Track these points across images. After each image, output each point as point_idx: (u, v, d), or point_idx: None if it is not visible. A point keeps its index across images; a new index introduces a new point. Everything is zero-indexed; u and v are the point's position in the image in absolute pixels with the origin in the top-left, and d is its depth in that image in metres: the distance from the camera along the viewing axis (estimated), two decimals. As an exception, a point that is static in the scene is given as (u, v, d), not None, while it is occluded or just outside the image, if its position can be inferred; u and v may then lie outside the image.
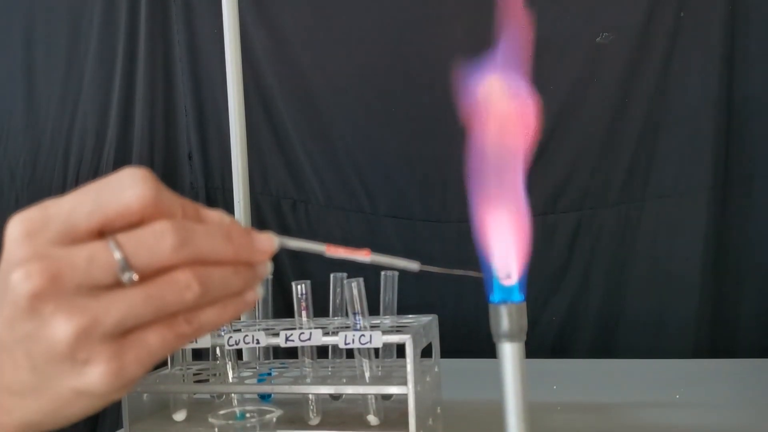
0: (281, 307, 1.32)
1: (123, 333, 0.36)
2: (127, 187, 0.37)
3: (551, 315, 1.59)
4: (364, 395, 0.90)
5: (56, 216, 0.36)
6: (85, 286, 0.35)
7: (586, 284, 1.58)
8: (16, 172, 1.89)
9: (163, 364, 0.97)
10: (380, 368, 0.91)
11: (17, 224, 0.36)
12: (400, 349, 0.86)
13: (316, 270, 1.43)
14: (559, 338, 1.59)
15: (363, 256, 0.43)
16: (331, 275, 0.95)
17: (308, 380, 0.91)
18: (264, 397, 0.98)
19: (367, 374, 0.89)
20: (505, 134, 0.45)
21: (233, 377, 0.97)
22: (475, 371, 1.03)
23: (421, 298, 1.52)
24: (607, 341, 1.57)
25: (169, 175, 1.79)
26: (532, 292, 1.54)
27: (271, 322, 0.98)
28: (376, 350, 0.90)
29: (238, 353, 1.03)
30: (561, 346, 1.59)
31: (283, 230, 1.72)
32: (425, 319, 0.95)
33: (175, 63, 1.79)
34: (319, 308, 0.94)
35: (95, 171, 1.82)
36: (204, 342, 0.92)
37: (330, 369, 0.95)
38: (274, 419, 0.74)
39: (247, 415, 0.75)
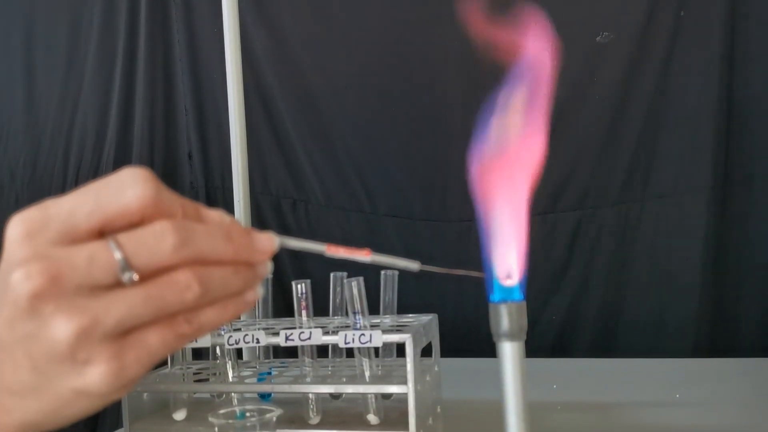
0: (281, 306, 1.32)
1: (123, 333, 0.36)
2: (128, 187, 0.37)
3: (551, 314, 1.59)
4: (364, 394, 0.90)
5: (56, 216, 0.36)
6: (86, 286, 0.35)
7: (586, 284, 1.58)
8: (16, 172, 1.89)
9: (163, 363, 0.97)
10: (380, 367, 0.91)
11: (17, 224, 0.36)
12: (400, 349, 0.86)
13: (316, 269, 1.43)
14: (559, 338, 1.59)
15: (363, 256, 0.43)
16: (331, 275, 0.95)
17: (308, 379, 0.91)
18: (264, 397, 0.98)
19: (367, 373, 0.89)
20: (513, 134, 0.45)
21: (233, 376, 0.97)
22: (475, 371, 1.03)
23: (421, 297, 1.52)
24: (607, 341, 1.57)
25: (169, 174, 1.79)
26: (532, 292, 1.54)
27: (271, 322, 0.98)
28: (376, 349, 0.90)
29: (238, 352, 1.03)
30: (561, 346, 1.59)
31: (283, 230, 1.72)
32: (425, 318, 0.95)
33: (175, 63, 1.79)
34: (319, 308, 0.94)
35: (95, 171, 1.82)
36: (204, 341, 0.92)
37: (330, 368, 0.95)
38: (274, 418, 0.74)
39: (247, 414, 0.75)
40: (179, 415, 0.96)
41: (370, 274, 0.84)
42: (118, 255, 0.36)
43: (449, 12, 1.62)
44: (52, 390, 0.37)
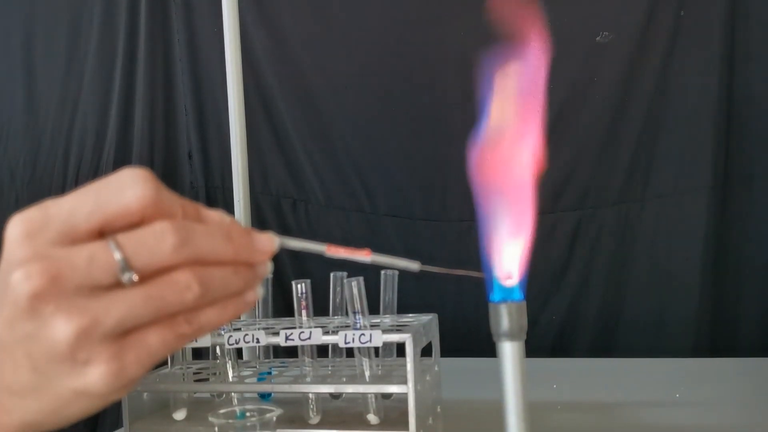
0: (281, 306, 1.32)
1: (123, 333, 0.36)
2: (127, 188, 0.37)
3: (551, 314, 1.59)
4: (364, 394, 0.90)
5: (56, 216, 0.36)
6: (86, 286, 0.35)
7: (586, 284, 1.58)
8: (16, 172, 1.89)
9: (163, 363, 0.97)
10: (380, 367, 0.91)
11: (17, 224, 0.36)
12: (400, 348, 0.86)
13: (316, 269, 1.43)
14: (559, 337, 1.59)
15: (363, 256, 0.43)
16: (331, 274, 0.95)
17: (308, 379, 0.91)
18: (264, 396, 0.98)
19: (367, 373, 0.89)
20: (514, 134, 0.45)
21: (233, 376, 0.97)
22: (475, 370, 1.03)
23: (421, 297, 1.52)
24: (607, 340, 1.57)
25: (169, 174, 1.79)
26: (532, 292, 1.54)
27: (271, 321, 0.98)
28: (376, 349, 0.90)
29: (238, 352, 1.03)
30: (561, 346, 1.59)
31: (283, 230, 1.72)
32: (425, 318, 0.95)
33: (175, 63, 1.79)
34: (319, 307, 0.94)
35: (95, 171, 1.82)
36: (204, 341, 0.92)
37: (330, 368, 0.95)
38: (274, 418, 0.74)
39: (247, 414, 0.75)
40: (179, 415, 0.96)
41: (370, 274, 0.84)
42: (117, 255, 0.36)
43: (449, 12, 1.63)
44: (52, 390, 0.37)
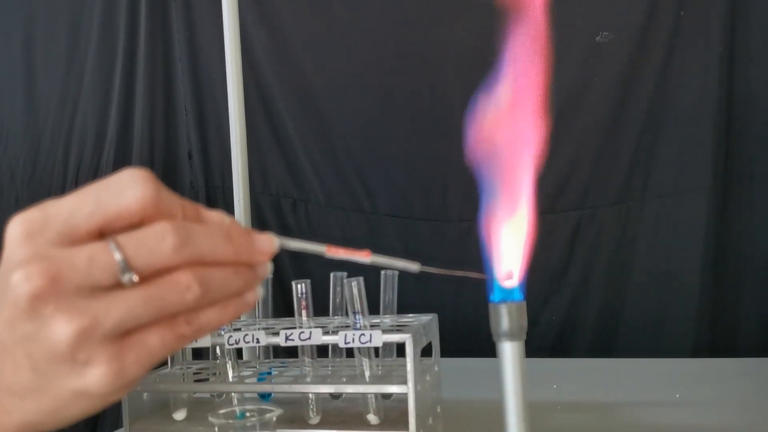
0: (281, 306, 1.32)
1: (123, 334, 0.36)
2: (127, 188, 0.37)
3: (551, 314, 1.59)
4: (364, 394, 0.90)
5: (56, 217, 0.36)
6: (86, 287, 0.35)
7: (586, 284, 1.58)
8: (16, 172, 1.89)
9: (163, 363, 0.97)
10: (380, 367, 0.91)
11: (17, 225, 0.36)
12: (400, 349, 0.86)
13: (316, 269, 1.43)
14: (559, 337, 1.59)
15: (363, 257, 0.43)
16: (331, 274, 0.95)
17: (308, 379, 0.91)
18: (264, 397, 0.98)
19: (367, 373, 0.89)
20: (513, 133, 0.45)
21: (233, 376, 0.97)
22: (475, 370, 1.03)
23: (421, 297, 1.52)
24: (607, 340, 1.57)
25: (169, 174, 1.79)
26: (532, 292, 1.53)
27: (271, 322, 0.98)
28: (376, 349, 0.90)
29: (238, 352, 1.03)
30: (561, 346, 1.59)
31: (283, 230, 1.72)
32: (425, 318, 0.95)
33: (175, 63, 1.79)
34: (319, 307, 0.94)
35: (95, 171, 1.82)
36: (204, 341, 0.92)
37: (330, 368, 0.95)
38: (274, 418, 0.74)
39: (247, 414, 0.75)
40: (179, 415, 0.96)
41: (370, 274, 0.84)
42: (118, 256, 0.36)
43: (449, 12, 1.63)
44: (52, 391, 0.37)
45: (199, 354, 1.07)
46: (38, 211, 0.37)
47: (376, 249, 0.43)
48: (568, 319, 1.59)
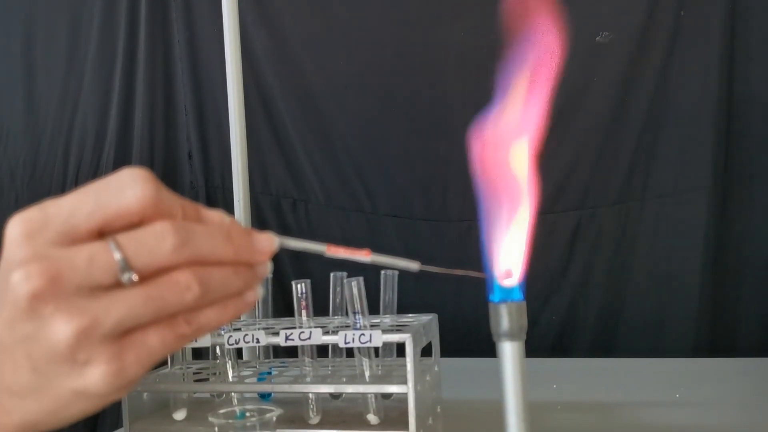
0: (281, 306, 1.32)
1: (123, 334, 0.36)
2: (127, 188, 0.37)
3: (551, 314, 1.59)
4: (364, 394, 0.90)
5: (56, 216, 0.36)
6: (85, 286, 0.35)
7: (586, 284, 1.58)
8: (16, 172, 1.89)
9: (163, 363, 0.97)
10: (380, 367, 0.91)
11: (17, 225, 0.36)
12: (400, 348, 0.86)
13: (316, 269, 1.43)
14: (559, 337, 1.59)
15: (363, 256, 0.43)
16: (331, 274, 0.95)
17: (308, 379, 0.91)
18: (264, 396, 0.98)
19: (367, 373, 0.89)
20: (514, 132, 0.45)
21: (233, 376, 0.97)
22: (475, 370, 1.03)
23: (421, 297, 1.52)
24: (607, 340, 1.57)
25: (169, 174, 1.79)
26: (532, 292, 1.54)
27: (271, 321, 0.98)
28: (376, 349, 0.90)
29: (238, 352, 1.03)
30: (561, 346, 1.59)
31: (283, 230, 1.72)
32: (425, 318, 0.95)
33: (175, 63, 1.79)
34: (319, 307, 0.94)
35: (95, 171, 1.82)
36: (204, 341, 0.92)
37: (330, 368, 0.95)
38: (274, 418, 0.74)
39: (247, 414, 0.75)
40: (179, 415, 0.96)
41: (370, 274, 0.84)
42: (117, 255, 0.36)
43: (449, 12, 1.63)
44: (52, 391, 0.37)
45: (199, 354, 1.07)
46: (38, 211, 0.36)
47: (376, 249, 0.43)
48: (568, 319, 1.59)
